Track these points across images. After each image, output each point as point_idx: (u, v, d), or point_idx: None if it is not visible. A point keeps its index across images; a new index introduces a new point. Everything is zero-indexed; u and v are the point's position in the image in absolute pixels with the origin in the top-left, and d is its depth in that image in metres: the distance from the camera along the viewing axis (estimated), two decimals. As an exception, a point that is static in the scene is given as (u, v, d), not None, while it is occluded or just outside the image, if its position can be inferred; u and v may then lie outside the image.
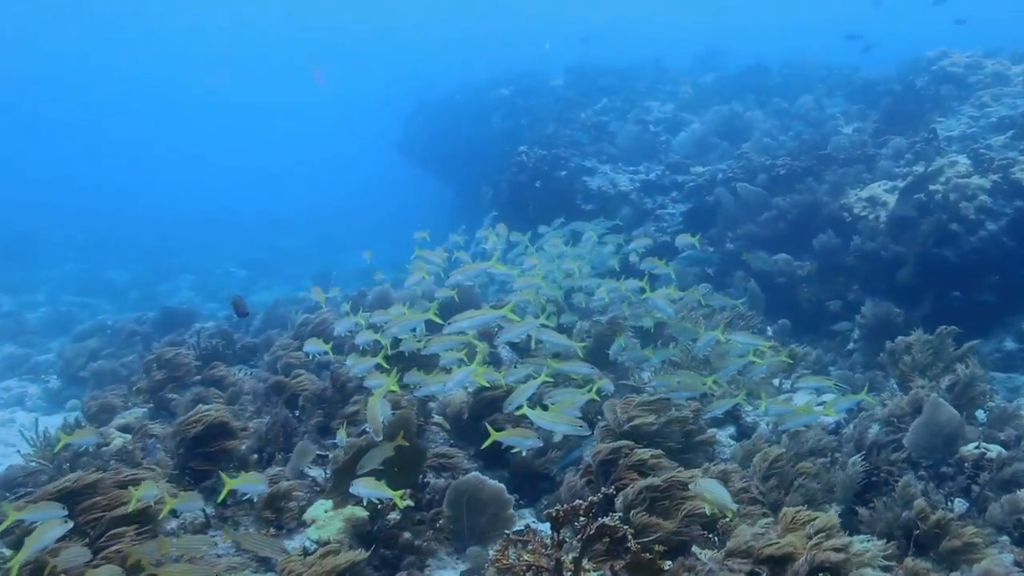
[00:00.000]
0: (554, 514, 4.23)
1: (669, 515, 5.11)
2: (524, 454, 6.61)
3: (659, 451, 5.79)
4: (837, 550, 4.50)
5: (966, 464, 6.74)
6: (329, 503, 5.89)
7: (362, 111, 59.76)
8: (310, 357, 9.13)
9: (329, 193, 51.38)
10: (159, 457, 6.77)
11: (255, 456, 7.10)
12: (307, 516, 6.04)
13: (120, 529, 5.15)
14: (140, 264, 30.48)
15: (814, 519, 4.81)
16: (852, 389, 8.63)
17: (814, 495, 6.01)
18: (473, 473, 6.03)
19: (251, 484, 5.48)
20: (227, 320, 16.27)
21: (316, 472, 6.86)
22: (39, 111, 63.44)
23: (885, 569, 4.76)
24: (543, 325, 6.77)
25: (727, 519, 5.17)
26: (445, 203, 28.72)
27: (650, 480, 5.25)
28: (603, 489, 4.36)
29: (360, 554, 5.03)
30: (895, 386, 9.20)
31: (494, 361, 8.90)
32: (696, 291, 9.29)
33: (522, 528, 6.38)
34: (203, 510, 5.97)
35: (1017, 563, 5.41)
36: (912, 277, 11.55)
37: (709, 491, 4.94)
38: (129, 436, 7.60)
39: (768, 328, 11.63)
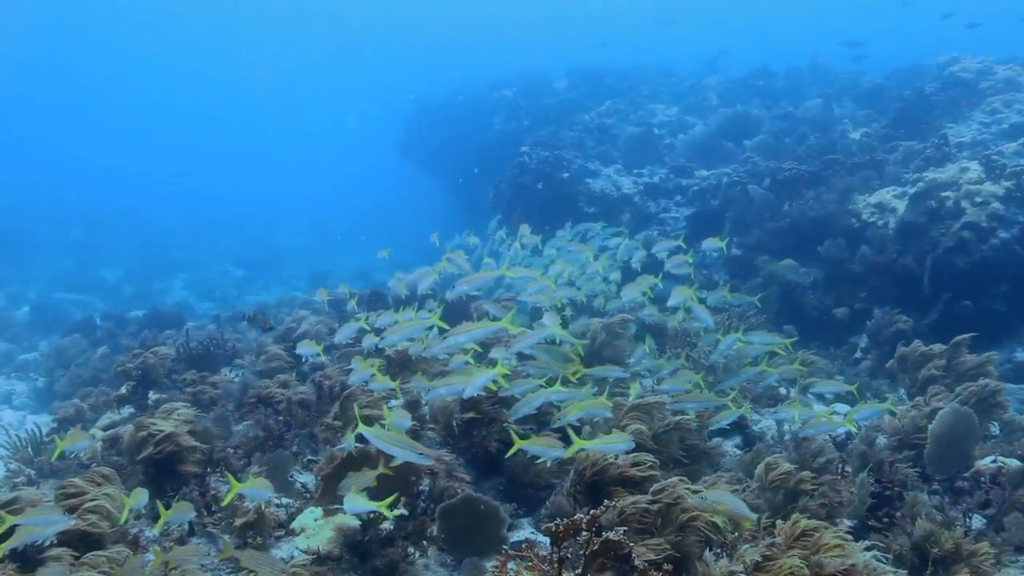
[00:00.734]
0: (554, 529, 3.95)
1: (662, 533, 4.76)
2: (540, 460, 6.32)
3: (646, 461, 5.41)
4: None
5: (982, 479, 6.48)
6: (319, 511, 5.61)
7: (362, 112, 59.68)
8: (304, 360, 8.86)
9: (328, 193, 51.18)
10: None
11: (243, 463, 6.82)
12: (296, 524, 5.77)
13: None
14: (135, 262, 30.20)
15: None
16: (876, 397, 8.41)
17: (816, 511, 5.73)
18: (467, 492, 5.66)
19: (258, 490, 5.19)
20: (218, 319, 16.01)
21: (306, 478, 6.58)
22: (39, 109, 63.15)
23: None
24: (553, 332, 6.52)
25: (734, 533, 4.91)
26: (446, 205, 28.50)
27: (635, 498, 4.88)
28: (579, 513, 4.03)
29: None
30: (903, 395, 8.95)
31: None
32: (724, 290, 9.04)
33: (520, 540, 6.16)
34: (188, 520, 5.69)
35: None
36: (921, 285, 11.29)
37: (721, 503, 4.66)
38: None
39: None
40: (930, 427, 6.52)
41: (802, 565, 4.11)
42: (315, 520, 5.64)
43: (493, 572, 4.04)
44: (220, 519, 5.79)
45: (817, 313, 12.13)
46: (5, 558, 4.41)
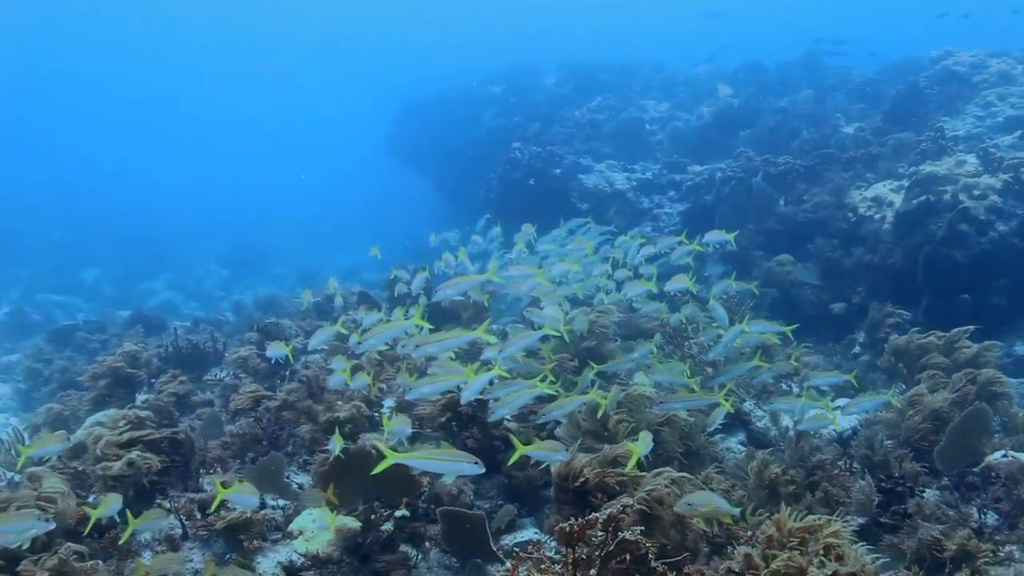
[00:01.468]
0: (568, 530, 3.77)
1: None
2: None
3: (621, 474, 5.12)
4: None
5: (992, 474, 6.35)
6: (317, 512, 5.41)
7: (350, 111, 59.34)
8: (271, 362, 8.57)
9: (316, 192, 50.83)
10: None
11: (237, 462, 6.61)
12: (294, 527, 5.57)
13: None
14: (119, 262, 29.78)
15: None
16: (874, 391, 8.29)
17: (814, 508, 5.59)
18: (446, 509, 5.43)
19: (244, 497, 4.99)
20: (205, 320, 15.75)
21: (302, 479, 6.38)
22: (24, 111, 62.35)
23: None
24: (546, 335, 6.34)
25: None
26: (434, 202, 28.27)
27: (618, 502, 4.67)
28: (560, 524, 3.84)
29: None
30: (903, 389, 8.83)
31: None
32: (730, 281, 8.87)
33: (525, 541, 5.98)
34: (181, 522, 5.48)
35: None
36: (919, 279, 11.19)
37: (703, 504, 4.50)
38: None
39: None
40: (950, 426, 6.39)
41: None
42: (313, 522, 5.44)
43: (506, 576, 3.86)
44: (212, 522, 5.58)
45: (814, 309, 12.01)
46: None
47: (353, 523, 5.33)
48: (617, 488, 5.06)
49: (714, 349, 7.84)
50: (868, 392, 8.00)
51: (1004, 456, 6.49)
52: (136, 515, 4.82)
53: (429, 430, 7.02)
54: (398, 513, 5.48)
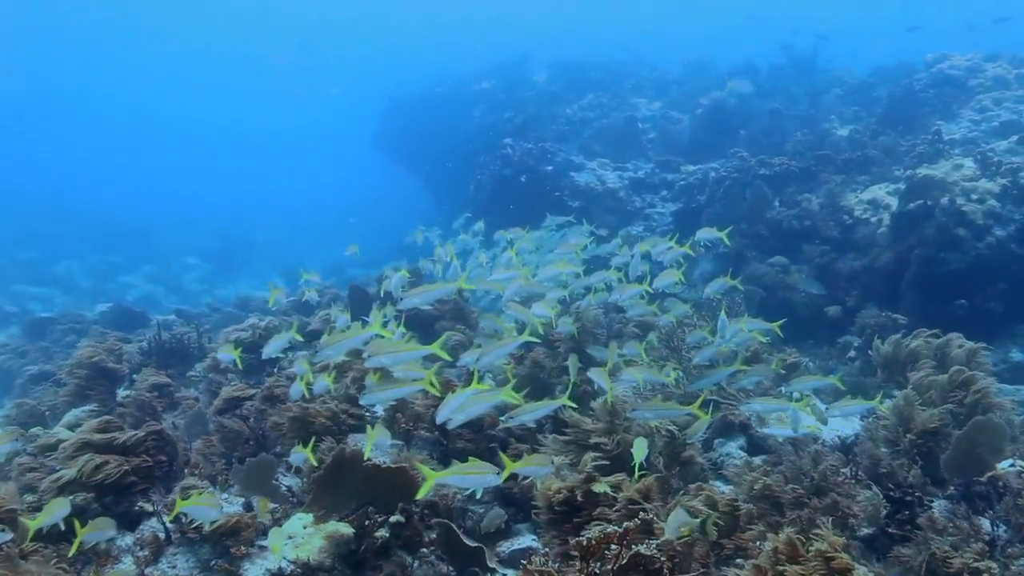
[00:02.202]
0: (585, 543, 3.60)
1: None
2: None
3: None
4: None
5: (1000, 484, 6.20)
6: (308, 517, 5.16)
7: (337, 107, 58.88)
8: (222, 365, 8.25)
9: (301, 189, 50.39)
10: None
11: (221, 463, 6.33)
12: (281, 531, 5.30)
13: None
14: (97, 255, 29.23)
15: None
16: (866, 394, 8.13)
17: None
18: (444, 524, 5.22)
19: (203, 509, 4.75)
20: (188, 313, 15.41)
21: (291, 481, 6.10)
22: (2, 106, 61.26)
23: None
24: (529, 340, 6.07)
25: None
26: (422, 199, 28.00)
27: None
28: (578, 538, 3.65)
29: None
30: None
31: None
32: (725, 278, 8.63)
33: (520, 548, 5.77)
34: (164, 526, 5.20)
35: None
36: (915, 283, 11.08)
37: (677, 523, 4.41)
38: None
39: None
40: (957, 435, 6.22)
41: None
42: (304, 528, 5.18)
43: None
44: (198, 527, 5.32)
45: (808, 312, 11.87)
46: None
47: (346, 529, 5.08)
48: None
49: (702, 352, 7.65)
50: (857, 397, 7.78)
51: (1012, 466, 6.35)
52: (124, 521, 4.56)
53: (424, 431, 6.79)
54: (393, 519, 5.23)
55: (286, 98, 66.80)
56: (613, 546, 3.63)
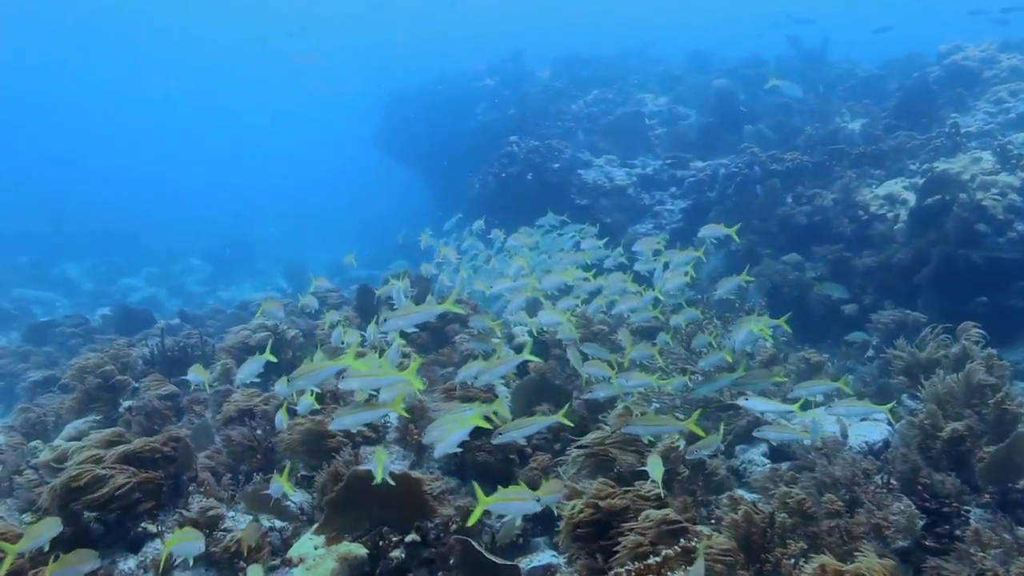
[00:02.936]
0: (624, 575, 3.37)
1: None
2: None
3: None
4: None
5: (1039, 490, 5.96)
6: (320, 538, 4.91)
7: (337, 105, 58.61)
8: (192, 388, 7.88)
9: (303, 186, 50.17)
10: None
11: (226, 477, 6.08)
12: (294, 553, 5.07)
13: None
14: (99, 257, 28.99)
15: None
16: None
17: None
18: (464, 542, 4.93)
19: (186, 545, 4.46)
20: (192, 315, 15.18)
21: (301, 497, 5.85)
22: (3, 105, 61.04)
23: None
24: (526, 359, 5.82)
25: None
26: (424, 197, 27.75)
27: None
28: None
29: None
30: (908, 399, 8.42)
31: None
32: (740, 277, 8.35)
33: (539, 566, 5.52)
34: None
35: None
36: (934, 280, 10.82)
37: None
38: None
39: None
40: (997, 447, 5.97)
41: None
42: (316, 549, 4.94)
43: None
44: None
45: (824, 310, 11.62)
46: None
47: (359, 550, 4.85)
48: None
49: (706, 358, 7.42)
50: (864, 400, 7.49)
51: (1049, 472, 6.11)
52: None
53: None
54: (408, 538, 5.00)
55: (290, 95, 66.58)
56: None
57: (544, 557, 5.61)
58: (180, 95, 66.59)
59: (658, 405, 7.20)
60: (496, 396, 6.38)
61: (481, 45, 32.16)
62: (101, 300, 22.27)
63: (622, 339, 7.68)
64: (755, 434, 6.22)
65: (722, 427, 6.07)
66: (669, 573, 3.44)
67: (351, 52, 60.12)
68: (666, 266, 8.40)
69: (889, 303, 11.12)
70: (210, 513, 5.20)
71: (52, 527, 4.37)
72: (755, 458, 7.24)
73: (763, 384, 7.26)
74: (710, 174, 14.58)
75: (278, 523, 5.50)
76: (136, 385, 8.45)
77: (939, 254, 10.70)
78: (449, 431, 4.59)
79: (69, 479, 4.97)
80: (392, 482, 4.64)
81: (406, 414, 4.90)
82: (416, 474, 5.19)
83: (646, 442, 5.67)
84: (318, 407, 5.91)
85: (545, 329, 7.62)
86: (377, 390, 4.99)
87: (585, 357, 6.97)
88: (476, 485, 4.41)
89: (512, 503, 4.36)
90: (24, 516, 5.32)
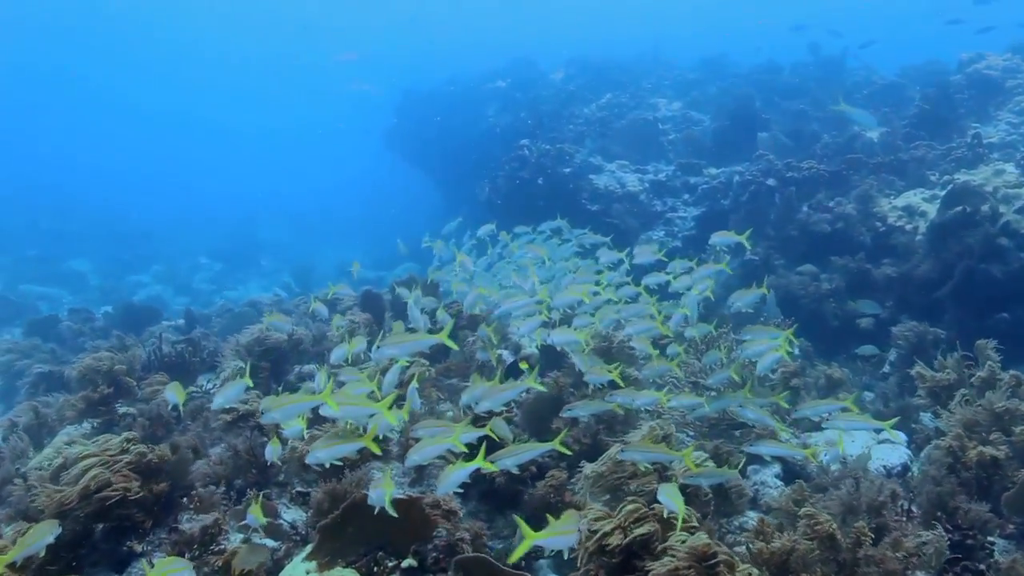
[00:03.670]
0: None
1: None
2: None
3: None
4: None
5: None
6: (312, 564, 4.68)
7: (347, 106, 58.58)
8: (171, 407, 7.59)
9: (312, 186, 50.11)
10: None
11: (219, 492, 5.85)
12: (284, 576, 4.84)
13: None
14: (106, 254, 28.90)
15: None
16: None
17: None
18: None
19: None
20: (198, 313, 15.02)
21: (294, 515, 5.63)
22: (14, 105, 61.23)
23: None
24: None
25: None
26: (433, 199, 27.56)
27: None
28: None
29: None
30: (927, 420, 8.15)
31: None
32: (762, 288, 8.03)
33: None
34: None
35: None
36: (954, 295, 10.52)
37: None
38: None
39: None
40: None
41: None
42: (307, 574, 4.71)
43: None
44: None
45: (839, 323, 11.33)
46: None
47: (353, 576, 4.61)
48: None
49: (715, 375, 7.19)
50: (866, 413, 7.21)
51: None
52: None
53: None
54: (405, 563, 4.76)
55: (294, 97, 66.64)
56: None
57: (548, 580, 5.39)
58: (198, 101, 66.77)
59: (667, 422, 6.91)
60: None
61: (495, 46, 32.02)
62: (109, 296, 22.17)
63: (640, 349, 7.48)
64: (747, 449, 6.02)
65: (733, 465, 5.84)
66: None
67: (365, 53, 60.08)
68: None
69: (907, 317, 10.82)
70: (210, 531, 5.00)
71: (46, 534, 4.26)
72: (767, 479, 6.99)
73: (768, 406, 7.02)
74: (724, 181, 14.32)
75: (270, 543, 5.28)
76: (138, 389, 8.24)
77: (960, 268, 10.41)
78: (447, 471, 4.54)
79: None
80: (395, 514, 4.41)
81: (378, 450, 4.72)
82: (414, 495, 4.97)
83: (642, 469, 5.43)
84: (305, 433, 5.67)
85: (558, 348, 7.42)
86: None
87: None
88: (520, 519, 4.28)
89: (560, 537, 4.12)
90: (7, 530, 5.10)
